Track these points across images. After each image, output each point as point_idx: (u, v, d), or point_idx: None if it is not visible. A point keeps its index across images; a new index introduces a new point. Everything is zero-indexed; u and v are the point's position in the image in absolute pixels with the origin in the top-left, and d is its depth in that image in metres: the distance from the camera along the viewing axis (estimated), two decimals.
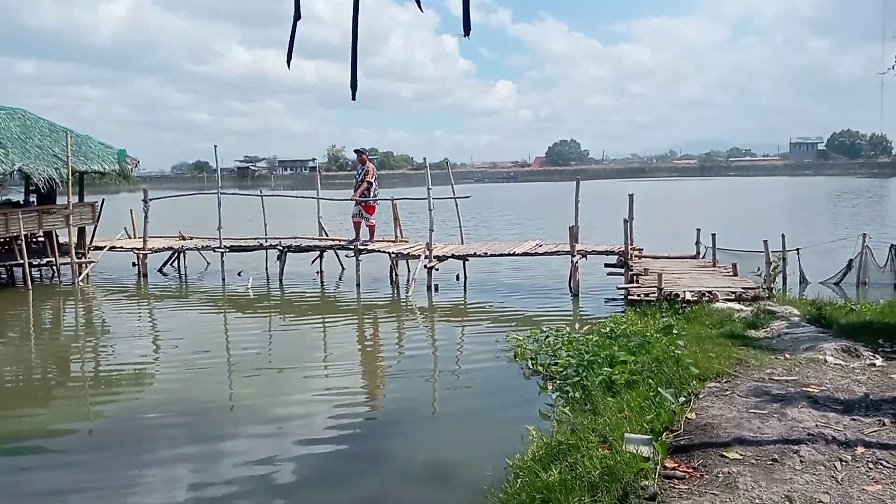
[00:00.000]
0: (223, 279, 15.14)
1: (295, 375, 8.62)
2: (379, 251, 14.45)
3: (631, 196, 13.08)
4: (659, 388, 5.22)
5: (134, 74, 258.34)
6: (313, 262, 15.85)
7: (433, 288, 13.37)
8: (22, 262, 14.33)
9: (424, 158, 15.66)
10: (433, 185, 14.41)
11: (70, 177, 14.79)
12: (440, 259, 13.76)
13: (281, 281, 14.91)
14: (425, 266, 13.39)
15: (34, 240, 15.57)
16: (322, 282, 15.13)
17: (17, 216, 14.25)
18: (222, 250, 15.37)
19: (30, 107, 16.13)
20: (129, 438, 6.53)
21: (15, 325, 12.37)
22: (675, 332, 7.51)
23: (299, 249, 15.38)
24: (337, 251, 15.70)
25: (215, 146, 16.37)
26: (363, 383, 8.60)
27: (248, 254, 16.06)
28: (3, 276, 15.73)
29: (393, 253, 14.20)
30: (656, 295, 10.20)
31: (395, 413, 7.16)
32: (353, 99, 2.23)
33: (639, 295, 10.63)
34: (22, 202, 16.23)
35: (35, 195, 16.36)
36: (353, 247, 14.43)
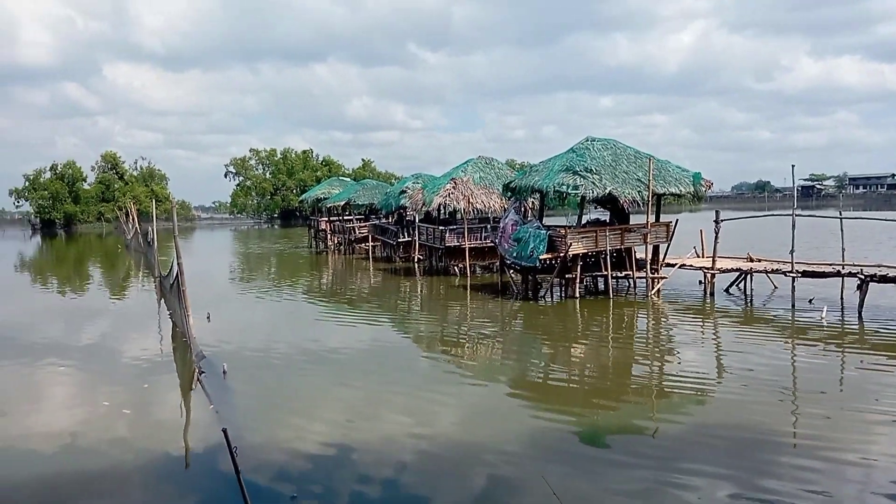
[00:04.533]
0: (793, 305, 14.29)
1: (861, 423, 7.65)
2: None
3: None
4: None
5: (697, 98, 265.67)
6: None
7: None
8: (606, 273, 16.50)
9: None
10: None
11: (650, 198, 16.24)
12: None
13: (860, 314, 13.29)
14: None
15: (614, 254, 17.64)
16: None
17: (605, 234, 16.43)
18: (794, 275, 14.56)
19: (607, 136, 18.30)
20: (683, 449, 6.92)
21: (596, 327, 14.23)
22: None
23: (885, 280, 13.44)
24: None
25: (793, 166, 15.10)
26: None
27: (821, 281, 14.80)
28: (590, 285, 18.32)
29: None
30: None
31: None
32: None
33: None
34: (607, 221, 18.58)
35: (614, 214, 18.48)
36: None
